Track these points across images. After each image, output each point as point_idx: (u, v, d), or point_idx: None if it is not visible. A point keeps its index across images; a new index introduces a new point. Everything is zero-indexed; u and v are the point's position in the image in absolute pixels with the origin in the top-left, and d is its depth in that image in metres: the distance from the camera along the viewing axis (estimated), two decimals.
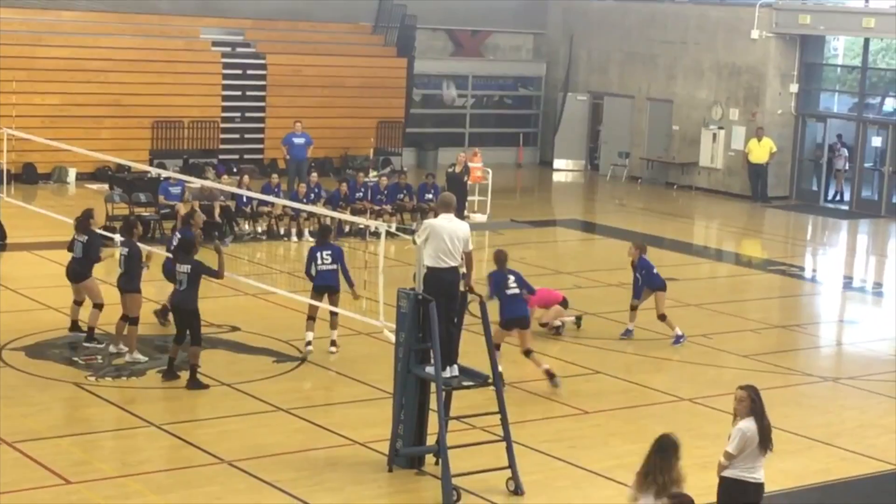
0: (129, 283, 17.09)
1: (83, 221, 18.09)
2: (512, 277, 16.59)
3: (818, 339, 21.39)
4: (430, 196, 28.30)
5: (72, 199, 30.23)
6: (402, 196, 28.35)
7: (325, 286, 17.73)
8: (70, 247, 18.00)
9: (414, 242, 13.68)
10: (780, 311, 23.28)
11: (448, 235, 13.28)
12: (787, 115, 35.83)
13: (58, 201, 29.12)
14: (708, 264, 27.51)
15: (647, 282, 19.46)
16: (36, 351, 17.31)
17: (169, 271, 17.47)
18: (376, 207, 27.54)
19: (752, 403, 10.32)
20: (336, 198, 27.30)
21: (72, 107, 32.50)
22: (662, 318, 19.40)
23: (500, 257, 16.78)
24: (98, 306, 17.57)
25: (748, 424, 10.29)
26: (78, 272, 17.82)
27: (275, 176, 27.71)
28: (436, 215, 13.88)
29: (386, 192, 28.12)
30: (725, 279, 26.24)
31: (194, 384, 16.00)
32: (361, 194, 27.81)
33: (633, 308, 19.59)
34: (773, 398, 16.64)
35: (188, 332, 16.16)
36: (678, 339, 19.33)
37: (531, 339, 16.76)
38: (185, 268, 16.07)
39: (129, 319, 16.95)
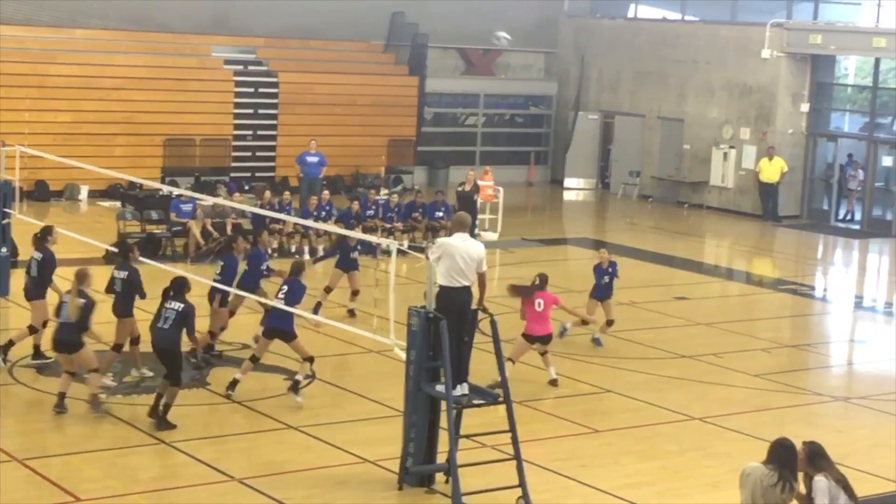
0: (124, 308, 16.76)
1: (123, 252, 17.54)
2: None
3: (829, 359, 21.37)
4: (441, 214, 28.34)
5: (84, 216, 30.33)
6: (414, 214, 28.38)
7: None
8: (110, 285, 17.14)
9: (427, 258, 13.68)
10: (790, 330, 23.25)
11: (461, 255, 13.29)
12: (797, 135, 35.83)
13: (70, 218, 29.18)
14: (719, 283, 27.50)
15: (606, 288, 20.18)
16: (47, 368, 17.32)
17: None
18: (388, 225, 27.58)
19: (806, 457, 9.93)
20: (347, 216, 27.35)
21: (84, 124, 32.59)
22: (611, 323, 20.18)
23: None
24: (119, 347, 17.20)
25: (820, 479, 9.86)
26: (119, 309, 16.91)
27: (287, 193, 27.73)
28: (450, 234, 13.87)
29: (397, 209, 28.15)
30: (736, 298, 26.22)
31: (163, 424, 15.08)
32: (373, 212, 27.84)
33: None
34: (784, 417, 16.69)
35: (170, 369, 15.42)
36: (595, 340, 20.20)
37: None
38: (177, 305, 15.32)
39: (132, 339, 16.85)
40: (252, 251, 19.20)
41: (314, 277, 20.95)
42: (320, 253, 24.98)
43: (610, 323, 20.08)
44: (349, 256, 21.28)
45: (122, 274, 16.90)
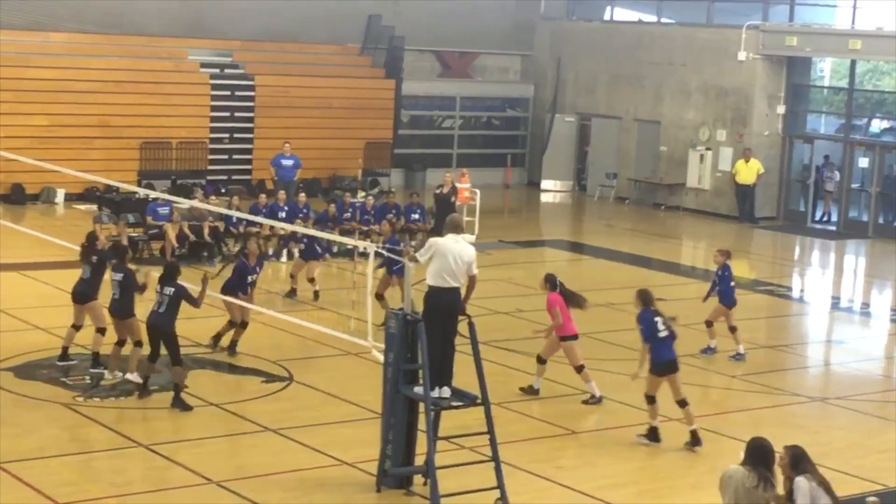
0: (124, 308, 17.01)
1: (121, 258, 17.64)
2: (660, 319, 15.60)
3: (806, 360, 21.44)
4: (417, 216, 28.37)
5: (60, 219, 30.23)
6: (390, 216, 28.36)
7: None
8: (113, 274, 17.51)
9: (416, 261, 13.65)
10: (767, 331, 23.32)
11: (453, 256, 13.28)
12: (774, 137, 35.96)
13: (46, 222, 29.09)
14: (695, 284, 27.45)
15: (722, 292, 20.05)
16: (24, 371, 17.28)
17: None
18: (364, 228, 27.57)
19: (789, 461, 9.97)
20: (324, 218, 27.35)
21: (60, 127, 32.49)
22: (733, 329, 20.11)
23: (647, 296, 15.80)
24: (101, 330, 17.49)
25: (801, 480, 9.91)
26: (85, 294, 17.60)
27: (262, 196, 27.73)
28: (443, 235, 13.83)
29: (373, 212, 28.15)
30: (713, 299, 26.21)
31: (179, 404, 16.00)
32: (349, 215, 27.84)
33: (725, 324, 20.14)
34: (761, 418, 16.74)
35: (166, 352, 16.21)
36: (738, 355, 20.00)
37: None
38: (169, 290, 16.20)
39: (135, 342, 16.90)
40: (238, 263, 19.28)
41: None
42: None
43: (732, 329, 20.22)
44: (312, 247, 22.55)
45: (119, 276, 17.07)
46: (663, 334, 15.41)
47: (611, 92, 39.43)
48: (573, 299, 17.37)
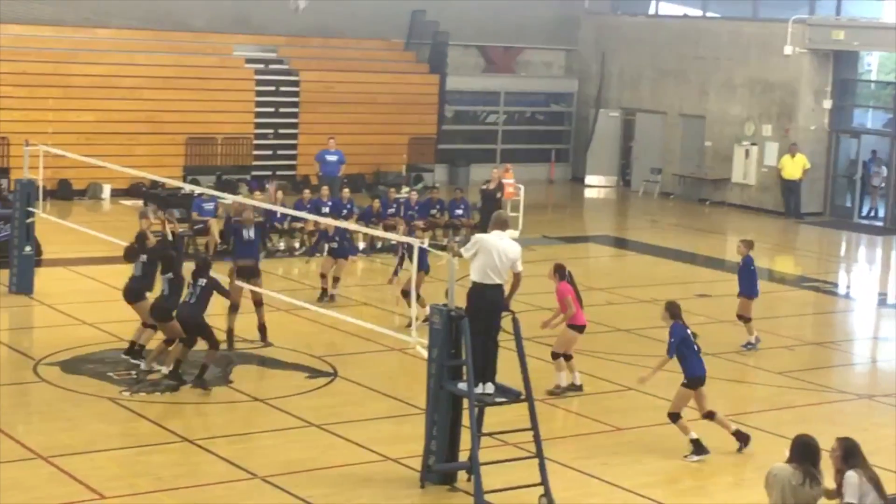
0: (167, 312, 17.06)
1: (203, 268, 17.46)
2: (690, 332, 15.24)
3: (852, 356, 21.30)
4: (461, 211, 28.38)
5: (106, 214, 30.44)
6: (433, 212, 28.41)
7: None
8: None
9: (459, 255, 13.66)
10: (813, 327, 23.19)
11: (498, 253, 13.28)
12: (820, 132, 35.71)
13: (92, 217, 29.31)
14: None
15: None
16: (71, 366, 17.41)
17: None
18: (409, 223, 27.58)
19: (841, 454, 9.91)
20: (368, 214, 27.40)
21: (107, 123, 32.69)
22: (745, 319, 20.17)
23: (675, 310, 15.24)
24: (149, 326, 17.57)
25: (851, 474, 9.86)
26: (138, 292, 17.68)
27: (306, 192, 27.79)
28: (488, 231, 13.81)
29: (417, 207, 28.17)
30: (759, 295, 26.09)
31: (200, 384, 16.43)
32: (393, 210, 27.88)
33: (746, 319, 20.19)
34: (807, 415, 16.64)
35: (201, 340, 16.77)
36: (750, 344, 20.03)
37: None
38: (202, 282, 16.77)
39: (181, 341, 17.01)
40: (233, 224, 19.87)
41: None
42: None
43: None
44: (344, 245, 22.34)
45: (203, 282, 16.97)
46: (696, 348, 15.15)
47: (655, 87, 39.28)
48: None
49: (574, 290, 17.02)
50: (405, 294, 19.84)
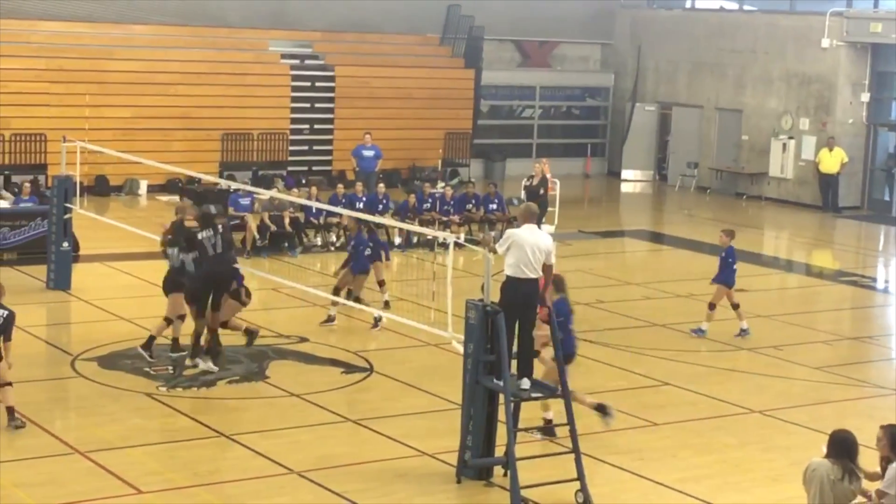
0: (176, 285, 17.37)
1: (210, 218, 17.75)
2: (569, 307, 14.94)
3: (891, 351, 21.16)
4: (494, 206, 28.36)
5: (143, 210, 30.57)
6: (469, 207, 28.39)
7: None
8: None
9: (494, 251, 13.66)
10: (851, 322, 23.05)
11: (530, 247, 13.25)
12: (858, 125, 35.49)
13: (129, 213, 29.42)
14: (778, 275, 27.29)
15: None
16: (108, 361, 17.48)
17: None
18: (444, 218, 27.59)
19: (888, 441, 9.88)
20: (404, 209, 27.41)
21: (143, 119, 32.83)
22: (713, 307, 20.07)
23: (562, 284, 14.87)
24: (181, 317, 17.69)
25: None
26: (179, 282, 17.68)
27: (340, 186, 27.79)
28: (518, 225, 13.77)
29: (453, 202, 28.15)
30: (796, 290, 26.02)
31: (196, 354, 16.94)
32: (429, 205, 27.88)
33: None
34: (845, 411, 16.53)
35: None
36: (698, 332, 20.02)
37: None
38: (213, 231, 16.96)
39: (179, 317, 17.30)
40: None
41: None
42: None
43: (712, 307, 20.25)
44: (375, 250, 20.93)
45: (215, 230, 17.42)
46: (571, 325, 14.90)
47: (692, 80, 39.13)
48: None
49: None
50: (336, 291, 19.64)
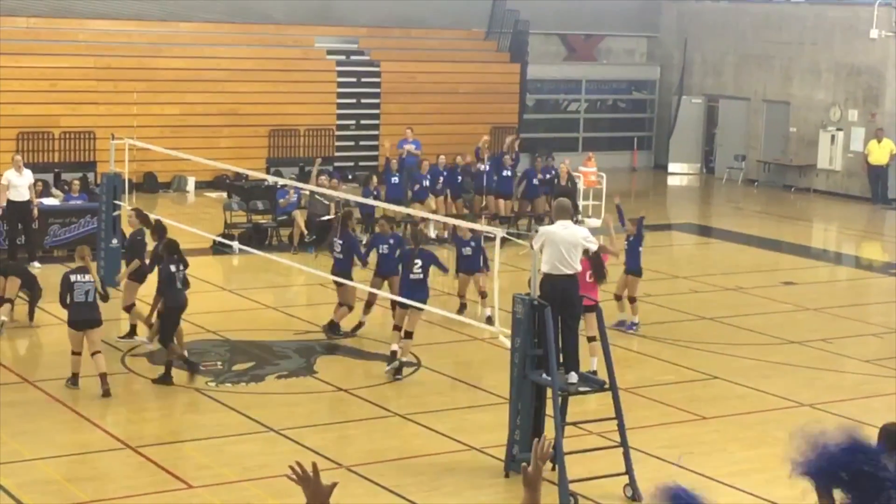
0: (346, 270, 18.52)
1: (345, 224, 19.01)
2: (420, 261, 17.06)
3: None
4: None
5: (191, 207, 30.74)
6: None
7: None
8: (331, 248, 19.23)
9: (531, 247, 13.69)
10: None
11: (564, 243, 13.25)
12: None
13: (178, 209, 29.59)
14: (827, 268, 27.12)
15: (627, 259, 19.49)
16: (158, 358, 17.59)
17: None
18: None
19: None
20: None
21: (190, 116, 33.02)
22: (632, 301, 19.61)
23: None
24: (350, 307, 18.56)
25: None
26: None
27: (374, 178, 27.44)
28: (552, 222, 13.81)
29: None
30: (845, 283, 25.84)
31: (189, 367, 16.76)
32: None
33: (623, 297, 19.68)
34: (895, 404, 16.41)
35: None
36: (630, 326, 19.51)
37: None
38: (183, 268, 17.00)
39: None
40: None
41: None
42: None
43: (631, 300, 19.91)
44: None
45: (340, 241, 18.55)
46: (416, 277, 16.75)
47: (739, 72, 38.93)
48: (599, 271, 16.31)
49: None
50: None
